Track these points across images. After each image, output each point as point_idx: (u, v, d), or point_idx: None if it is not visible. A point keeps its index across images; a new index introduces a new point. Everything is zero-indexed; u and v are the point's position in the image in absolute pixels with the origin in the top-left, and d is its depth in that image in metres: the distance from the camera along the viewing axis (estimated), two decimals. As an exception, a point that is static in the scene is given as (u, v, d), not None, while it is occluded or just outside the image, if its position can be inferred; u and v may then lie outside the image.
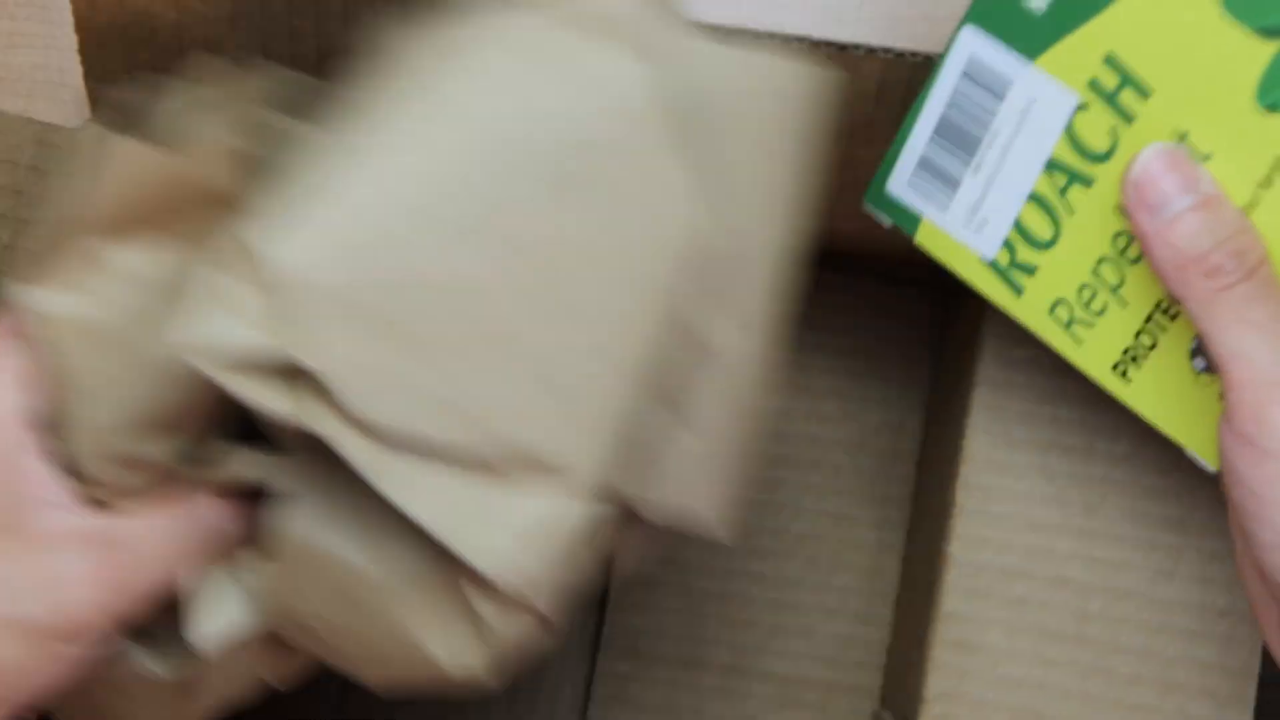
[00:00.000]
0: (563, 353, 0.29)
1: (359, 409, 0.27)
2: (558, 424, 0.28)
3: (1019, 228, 0.33)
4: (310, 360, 0.27)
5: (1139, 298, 0.32)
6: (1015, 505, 0.36)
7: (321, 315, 0.27)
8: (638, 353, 0.29)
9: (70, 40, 0.35)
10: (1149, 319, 0.32)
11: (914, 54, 0.34)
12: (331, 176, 0.28)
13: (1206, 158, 0.30)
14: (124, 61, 0.36)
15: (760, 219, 0.30)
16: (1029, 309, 0.33)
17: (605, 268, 0.29)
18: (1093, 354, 0.33)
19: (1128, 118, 0.30)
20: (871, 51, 0.34)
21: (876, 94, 0.35)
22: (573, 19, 0.29)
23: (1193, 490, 0.35)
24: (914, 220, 0.34)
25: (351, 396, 0.27)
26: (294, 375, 0.28)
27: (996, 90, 0.32)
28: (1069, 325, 0.33)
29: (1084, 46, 0.30)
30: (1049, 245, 0.33)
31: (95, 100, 0.37)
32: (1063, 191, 0.32)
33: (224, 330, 0.27)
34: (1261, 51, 0.28)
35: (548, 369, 0.29)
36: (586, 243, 0.29)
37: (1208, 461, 0.32)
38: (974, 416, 0.36)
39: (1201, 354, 0.32)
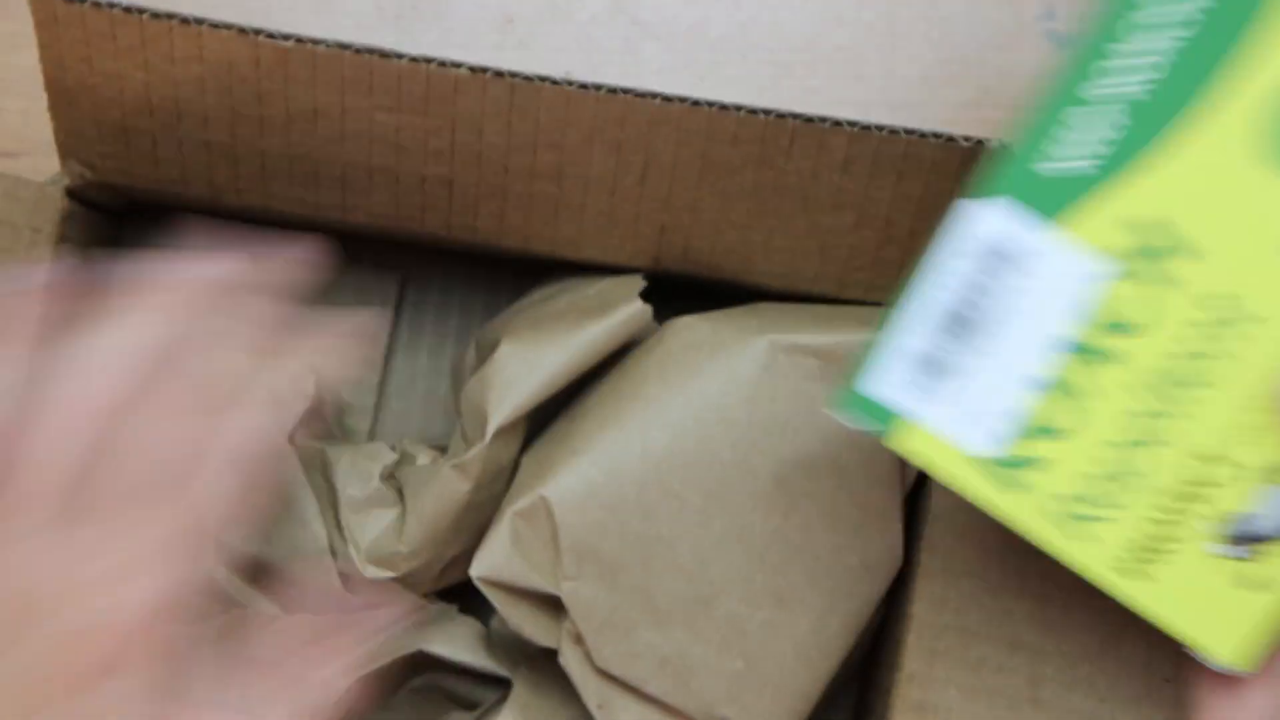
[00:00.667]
0: (769, 637, 0.35)
1: (600, 661, 0.35)
2: (754, 702, 0.35)
3: (1021, 417, 0.30)
4: (572, 610, 0.35)
5: (1151, 485, 0.29)
6: (975, 566, 0.36)
7: (578, 561, 0.34)
8: (835, 660, 0.35)
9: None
10: (1165, 509, 0.30)
11: (879, 128, 0.34)
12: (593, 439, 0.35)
13: (1261, 321, 0.28)
14: (94, 120, 0.36)
15: None
16: (1021, 506, 0.30)
17: (819, 575, 0.35)
18: (1093, 551, 0.30)
19: (1170, 283, 0.28)
20: (838, 125, 0.35)
21: (843, 164, 0.35)
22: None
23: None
24: (888, 418, 0.30)
25: (596, 648, 0.35)
26: (557, 608, 0.35)
27: (1007, 264, 0.29)
28: (1069, 520, 0.30)
29: (1114, 211, 0.28)
30: (1055, 434, 0.30)
31: (66, 156, 0.38)
32: (1077, 372, 0.29)
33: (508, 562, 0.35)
34: None
35: (753, 647, 0.35)
36: (804, 546, 0.35)
37: (1229, 659, 0.30)
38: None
39: (1229, 532, 0.29)
